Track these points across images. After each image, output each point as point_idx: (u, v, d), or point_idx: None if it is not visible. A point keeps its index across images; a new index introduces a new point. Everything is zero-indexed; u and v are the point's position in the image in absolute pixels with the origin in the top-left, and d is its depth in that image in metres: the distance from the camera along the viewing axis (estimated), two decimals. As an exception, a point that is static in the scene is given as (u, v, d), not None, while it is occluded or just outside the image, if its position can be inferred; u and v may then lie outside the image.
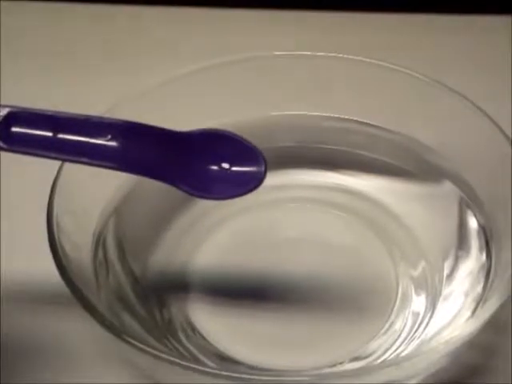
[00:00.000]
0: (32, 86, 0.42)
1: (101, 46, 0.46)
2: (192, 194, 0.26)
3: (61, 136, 0.24)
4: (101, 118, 0.25)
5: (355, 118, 0.34)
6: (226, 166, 0.25)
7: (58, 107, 0.31)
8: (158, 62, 0.41)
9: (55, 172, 0.28)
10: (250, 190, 0.25)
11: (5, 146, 0.24)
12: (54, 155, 0.25)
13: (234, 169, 0.25)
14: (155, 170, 0.25)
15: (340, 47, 0.33)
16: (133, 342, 0.24)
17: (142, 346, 0.23)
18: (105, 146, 0.24)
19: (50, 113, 0.25)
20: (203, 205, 0.32)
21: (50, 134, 0.24)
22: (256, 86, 0.34)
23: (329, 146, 0.34)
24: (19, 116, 0.24)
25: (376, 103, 0.33)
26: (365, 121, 0.33)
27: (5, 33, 0.45)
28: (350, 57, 0.33)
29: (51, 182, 0.28)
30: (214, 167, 0.25)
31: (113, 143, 0.24)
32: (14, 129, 0.24)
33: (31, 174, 0.27)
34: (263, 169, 0.25)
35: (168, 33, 0.46)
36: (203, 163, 0.25)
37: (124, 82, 0.34)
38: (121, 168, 0.25)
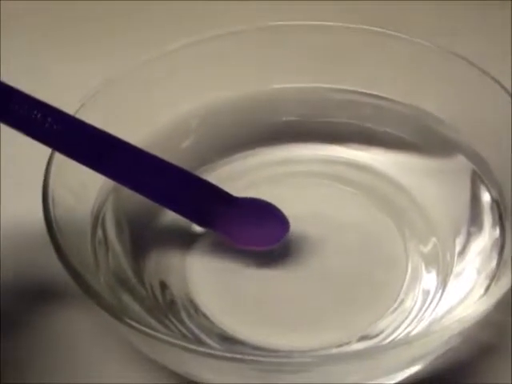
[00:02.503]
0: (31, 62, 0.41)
1: (98, 19, 0.45)
2: (226, 239, 0.29)
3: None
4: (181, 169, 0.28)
5: (362, 90, 0.32)
6: (258, 224, 0.30)
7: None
8: (161, 32, 0.40)
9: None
10: (269, 246, 0.30)
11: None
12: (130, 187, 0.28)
13: (263, 228, 0.30)
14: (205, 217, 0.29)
15: (345, 17, 0.32)
16: (134, 324, 0.23)
17: (143, 328, 0.23)
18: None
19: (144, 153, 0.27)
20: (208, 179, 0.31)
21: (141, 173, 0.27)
22: (259, 57, 0.33)
23: (335, 119, 0.33)
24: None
25: (384, 73, 0.32)
26: (372, 92, 0.32)
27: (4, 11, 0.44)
28: (356, 26, 0.32)
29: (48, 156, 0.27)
30: (250, 224, 0.30)
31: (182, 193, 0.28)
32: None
33: (28, 146, 0.26)
34: (285, 232, 0.29)
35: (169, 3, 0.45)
36: (242, 219, 0.29)
37: (129, 50, 0.33)
38: (182, 213, 0.29)
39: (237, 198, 0.29)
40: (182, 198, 0.28)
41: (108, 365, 0.28)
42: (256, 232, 0.29)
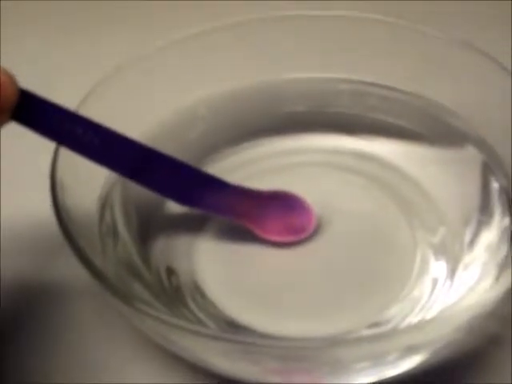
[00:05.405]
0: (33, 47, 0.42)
1: (105, 7, 0.45)
2: (253, 230, 0.30)
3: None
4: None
5: (370, 80, 0.32)
6: (285, 216, 0.30)
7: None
8: (170, 21, 0.40)
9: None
10: (300, 237, 0.30)
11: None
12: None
13: (290, 220, 0.30)
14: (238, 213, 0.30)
15: (352, 6, 0.32)
16: (144, 308, 0.23)
17: (152, 312, 0.23)
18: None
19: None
20: (215, 169, 0.31)
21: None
22: (268, 48, 0.33)
23: (342, 110, 0.33)
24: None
25: (392, 64, 0.32)
26: (380, 82, 0.32)
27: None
28: (363, 16, 0.32)
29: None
30: (278, 217, 0.30)
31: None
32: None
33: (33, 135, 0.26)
34: (312, 224, 0.30)
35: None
36: (270, 212, 0.30)
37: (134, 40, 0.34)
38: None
39: (264, 192, 0.30)
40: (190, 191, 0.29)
41: (116, 362, 0.28)
42: (288, 224, 0.30)
